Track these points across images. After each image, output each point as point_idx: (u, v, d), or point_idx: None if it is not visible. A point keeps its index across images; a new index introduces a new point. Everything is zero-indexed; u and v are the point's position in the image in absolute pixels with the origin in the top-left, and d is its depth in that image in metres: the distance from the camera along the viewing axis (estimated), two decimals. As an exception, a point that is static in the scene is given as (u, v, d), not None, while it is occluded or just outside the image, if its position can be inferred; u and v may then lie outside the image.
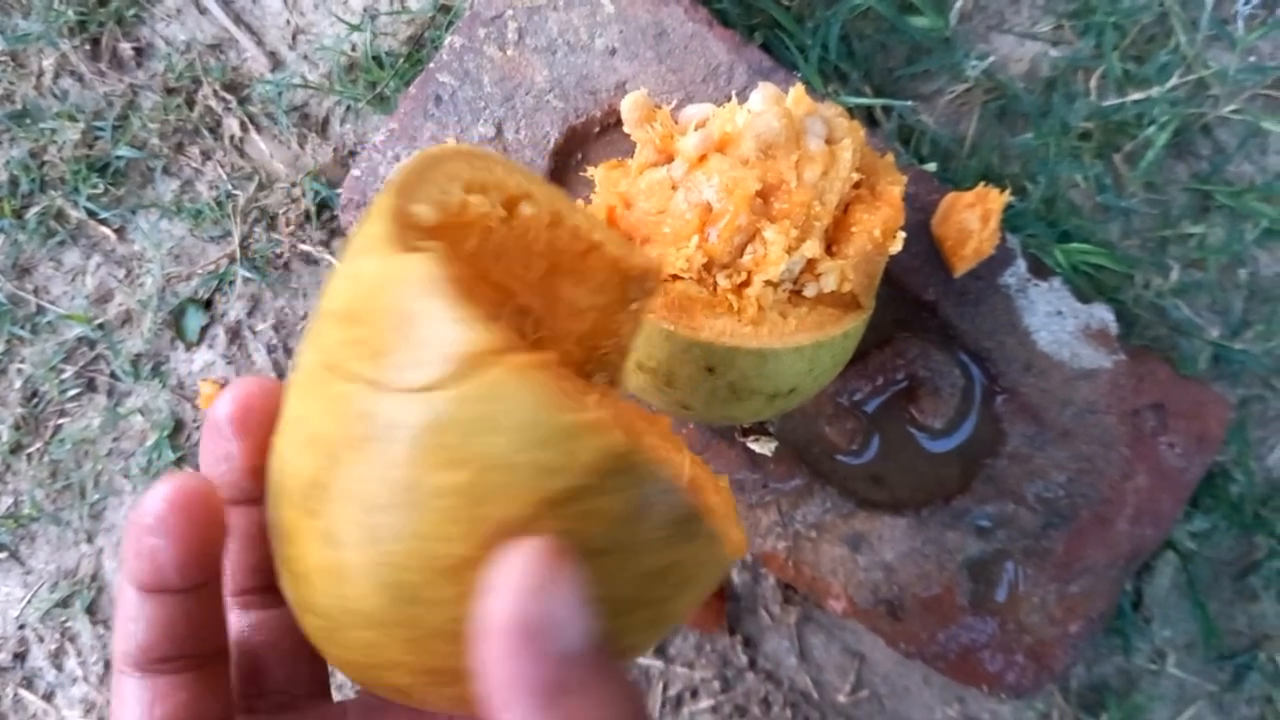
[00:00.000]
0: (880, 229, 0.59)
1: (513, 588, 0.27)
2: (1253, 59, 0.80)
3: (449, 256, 0.31)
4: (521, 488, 0.28)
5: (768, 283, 0.57)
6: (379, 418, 0.29)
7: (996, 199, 0.68)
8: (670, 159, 0.61)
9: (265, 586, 0.38)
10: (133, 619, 0.35)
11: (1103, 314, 0.72)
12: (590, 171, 0.64)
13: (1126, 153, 0.81)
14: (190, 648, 0.36)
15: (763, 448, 0.70)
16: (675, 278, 0.58)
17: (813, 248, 0.57)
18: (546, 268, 0.42)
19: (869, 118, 0.81)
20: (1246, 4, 0.80)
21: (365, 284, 0.30)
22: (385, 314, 0.29)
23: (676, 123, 0.63)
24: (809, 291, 0.59)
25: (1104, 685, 0.81)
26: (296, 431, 0.32)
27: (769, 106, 0.59)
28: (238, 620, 0.39)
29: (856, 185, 0.61)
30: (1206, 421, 0.71)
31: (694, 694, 0.82)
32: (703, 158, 0.59)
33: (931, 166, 0.76)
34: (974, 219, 0.69)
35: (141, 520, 0.34)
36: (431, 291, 0.29)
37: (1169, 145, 0.80)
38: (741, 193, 0.57)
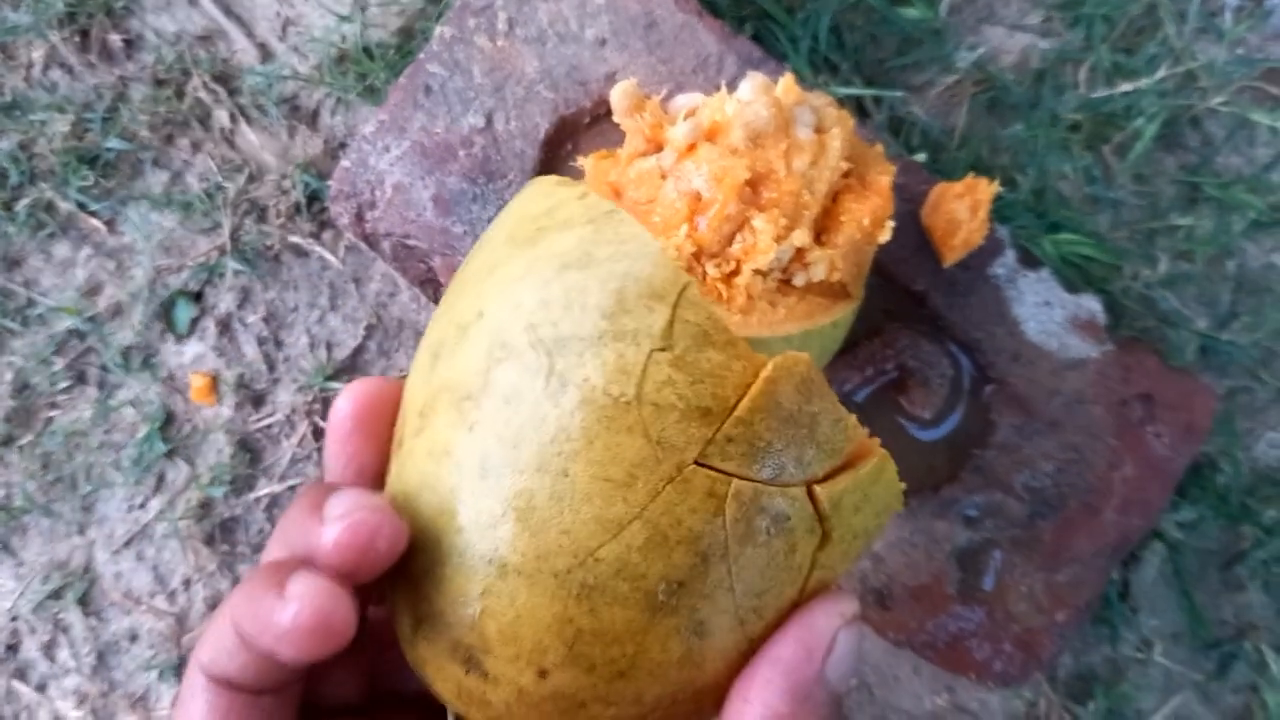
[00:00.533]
0: (869, 218, 0.59)
1: (842, 613, 0.33)
2: (1240, 51, 0.81)
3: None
4: (862, 551, 0.35)
5: (757, 271, 0.57)
6: (767, 512, 0.31)
7: (986, 189, 0.68)
8: (660, 148, 0.61)
9: None
10: (230, 655, 0.33)
11: (1091, 304, 0.72)
12: (580, 161, 0.64)
13: (1115, 144, 0.81)
14: (280, 685, 0.35)
15: (752, 437, 0.70)
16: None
17: (802, 237, 0.57)
18: None
19: (859, 108, 0.81)
20: (1234, -4, 0.81)
21: (723, 383, 0.31)
22: (764, 413, 0.30)
23: (666, 112, 0.63)
24: (798, 281, 0.59)
25: (1091, 674, 0.81)
26: (635, 534, 0.30)
27: (758, 95, 0.59)
28: None
29: (846, 174, 0.61)
30: (1194, 412, 0.71)
31: (684, 684, 0.82)
32: (692, 147, 0.59)
33: (921, 157, 0.76)
34: (963, 209, 0.69)
35: (274, 624, 0.31)
36: (814, 392, 0.32)
37: (1158, 137, 0.81)
38: (730, 181, 0.57)
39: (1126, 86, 0.80)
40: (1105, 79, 0.81)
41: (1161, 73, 0.80)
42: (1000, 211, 0.79)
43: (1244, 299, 0.81)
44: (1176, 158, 0.82)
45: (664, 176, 0.60)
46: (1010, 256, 0.72)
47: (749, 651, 0.33)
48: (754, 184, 0.58)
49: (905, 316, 0.73)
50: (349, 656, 0.39)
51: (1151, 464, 0.71)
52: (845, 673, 0.33)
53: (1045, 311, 0.72)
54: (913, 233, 0.72)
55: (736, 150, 0.58)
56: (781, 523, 0.31)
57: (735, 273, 0.58)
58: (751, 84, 0.60)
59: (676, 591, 0.30)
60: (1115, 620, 0.81)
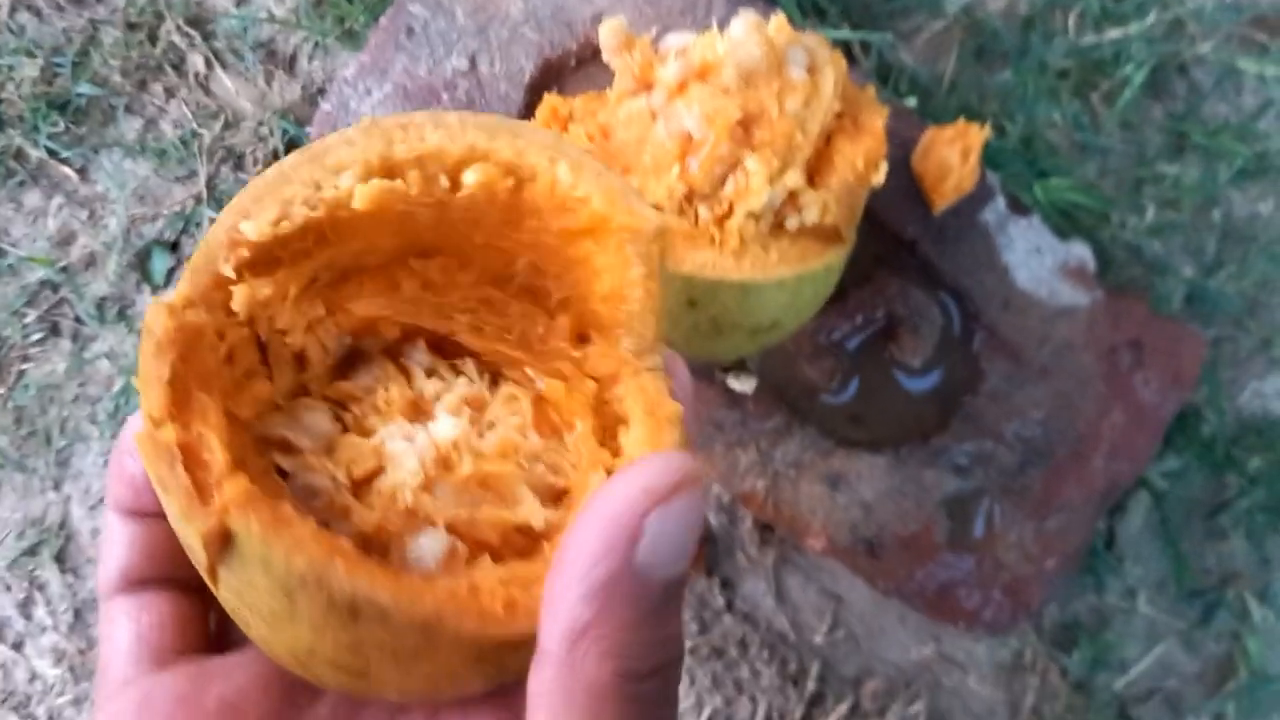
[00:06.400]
0: (862, 160, 0.59)
1: (647, 490, 0.28)
2: (1230, -2, 0.80)
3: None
4: None
5: (749, 214, 0.56)
6: None
7: (977, 134, 0.68)
8: (649, 88, 0.60)
9: None
10: (115, 543, 0.37)
11: (1081, 251, 0.72)
12: (563, 101, 0.63)
13: (1104, 92, 0.81)
14: (170, 570, 0.37)
15: (743, 385, 0.70)
16: (656, 208, 0.57)
17: (795, 178, 0.57)
18: (539, 227, 0.37)
19: (847, 54, 0.80)
20: (1225, -58, 0.80)
21: None
22: None
23: (656, 52, 0.62)
24: (791, 224, 0.58)
25: (1076, 623, 0.82)
26: None
27: (750, 34, 0.58)
28: None
29: (838, 116, 0.60)
30: (1182, 359, 0.71)
31: (671, 636, 0.82)
32: (683, 86, 0.58)
33: (911, 102, 0.75)
34: (954, 155, 0.68)
35: (124, 445, 0.36)
36: None
37: (1145, 84, 0.80)
38: (723, 121, 0.56)
39: (1115, 33, 0.80)
40: (1094, 25, 0.80)
41: (1150, 19, 0.79)
42: (990, 159, 0.78)
43: (1230, 248, 0.81)
44: (1164, 105, 0.81)
45: (654, 117, 0.59)
46: (1000, 203, 0.72)
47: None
48: (746, 124, 0.57)
49: (895, 264, 0.72)
50: None
51: (1140, 411, 0.71)
52: (670, 558, 0.28)
53: (1035, 258, 0.71)
54: (903, 179, 0.71)
55: (728, 90, 0.57)
56: None
57: (727, 215, 0.57)
58: (744, 23, 0.59)
59: None
60: (1101, 570, 0.81)
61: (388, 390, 0.37)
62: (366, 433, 0.36)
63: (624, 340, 0.37)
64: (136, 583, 0.37)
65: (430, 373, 0.38)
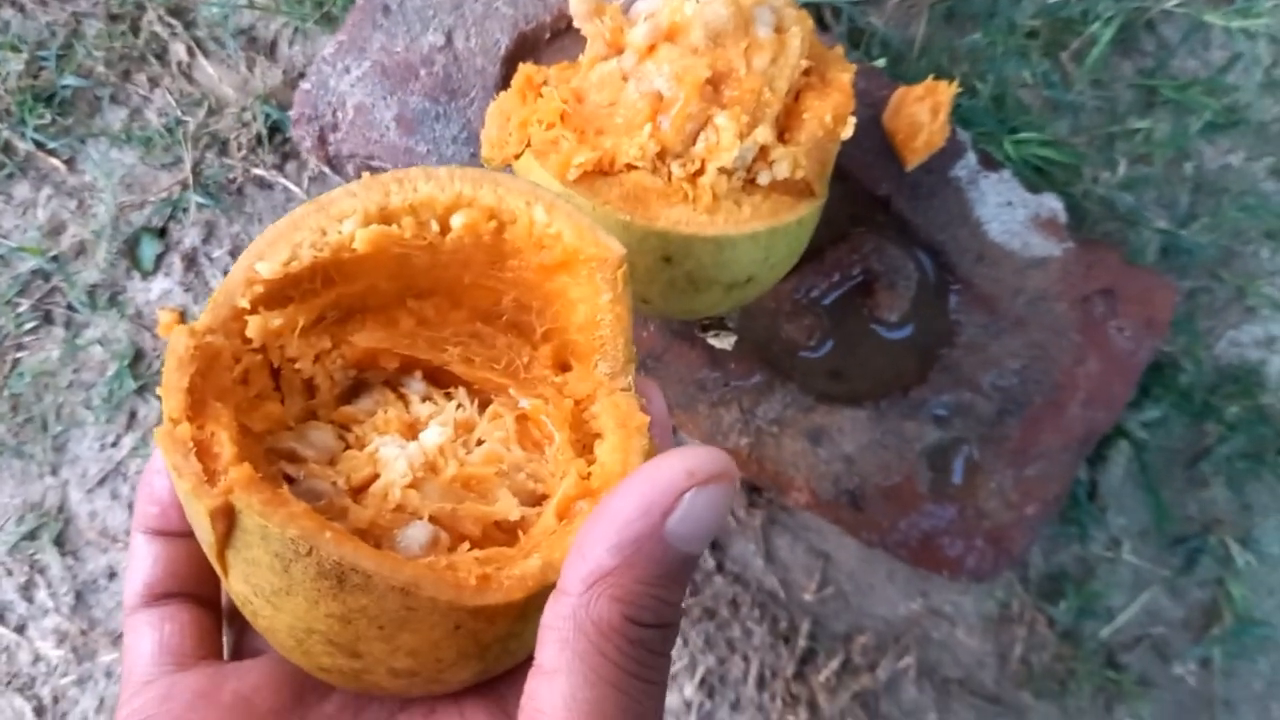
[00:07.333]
0: (831, 114, 0.60)
1: (690, 471, 0.32)
2: (1194, -48, 0.81)
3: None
4: None
5: (721, 170, 0.57)
6: None
7: (946, 91, 0.69)
8: (620, 51, 0.61)
9: None
10: (140, 560, 0.42)
11: (1051, 203, 0.73)
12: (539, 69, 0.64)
13: (1073, 50, 0.82)
14: (190, 587, 0.42)
15: (722, 342, 0.71)
16: (630, 167, 0.58)
17: (764, 134, 0.58)
18: (520, 265, 0.43)
19: (819, 20, 0.81)
20: (1187, -103, 0.81)
21: None
22: None
23: (626, 16, 0.63)
24: (762, 179, 0.59)
25: (1062, 574, 0.83)
26: None
27: (716, -5, 0.59)
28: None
29: (806, 73, 0.61)
30: (1154, 305, 0.73)
31: (663, 599, 0.83)
32: (652, 48, 0.59)
33: (881, 62, 0.77)
34: (924, 112, 0.69)
35: (153, 465, 0.42)
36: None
37: (1114, 41, 0.81)
38: (692, 80, 0.57)
39: (1083, -9, 0.81)
40: (1062, -16, 0.81)
41: (1117, -24, 0.81)
42: (961, 117, 0.79)
43: (1202, 200, 0.82)
44: (1133, 61, 0.83)
45: (625, 79, 0.60)
46: (971, 159, 0.73)
47: None
48: (715, 82, 0.58)
49: (870, 221, 0.73)
50: None
51: (1115, 358, 0.72)
52: (694, 534, 0.32)
53: (1007, 211, 0.72)
54: (875, 138, 0.72)
55: (697, 50, 0.58)
56: None
57: (700, 172, 0.58)
58: (710, -17, 0.60)
59: None
60: (1084, 520, 0.82)
61: (386, 413, 0.42)
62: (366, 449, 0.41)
63: (599, 365, 0.42)
64: (160, 596, 0.42)
65: (425, 399, 0.43)
